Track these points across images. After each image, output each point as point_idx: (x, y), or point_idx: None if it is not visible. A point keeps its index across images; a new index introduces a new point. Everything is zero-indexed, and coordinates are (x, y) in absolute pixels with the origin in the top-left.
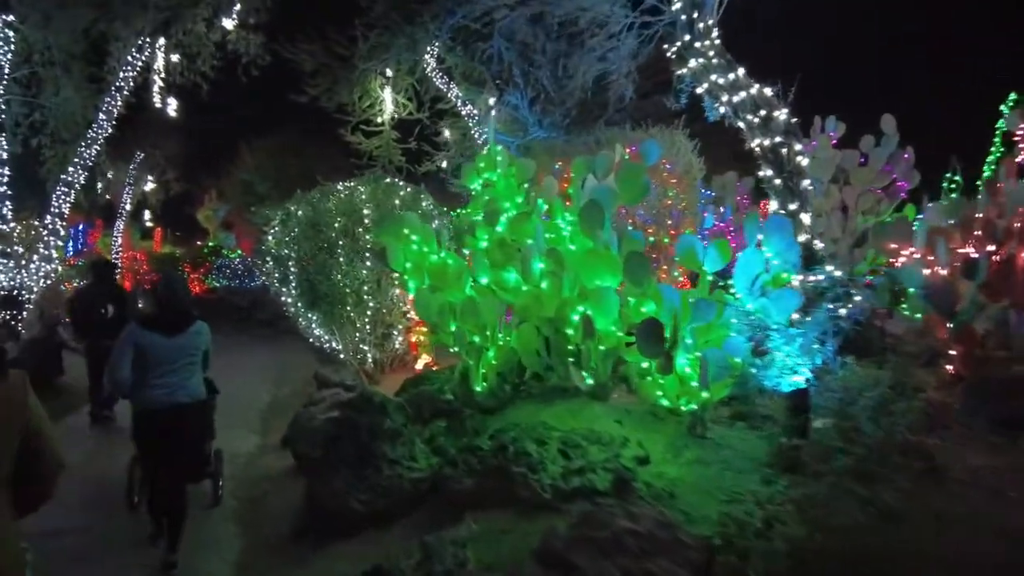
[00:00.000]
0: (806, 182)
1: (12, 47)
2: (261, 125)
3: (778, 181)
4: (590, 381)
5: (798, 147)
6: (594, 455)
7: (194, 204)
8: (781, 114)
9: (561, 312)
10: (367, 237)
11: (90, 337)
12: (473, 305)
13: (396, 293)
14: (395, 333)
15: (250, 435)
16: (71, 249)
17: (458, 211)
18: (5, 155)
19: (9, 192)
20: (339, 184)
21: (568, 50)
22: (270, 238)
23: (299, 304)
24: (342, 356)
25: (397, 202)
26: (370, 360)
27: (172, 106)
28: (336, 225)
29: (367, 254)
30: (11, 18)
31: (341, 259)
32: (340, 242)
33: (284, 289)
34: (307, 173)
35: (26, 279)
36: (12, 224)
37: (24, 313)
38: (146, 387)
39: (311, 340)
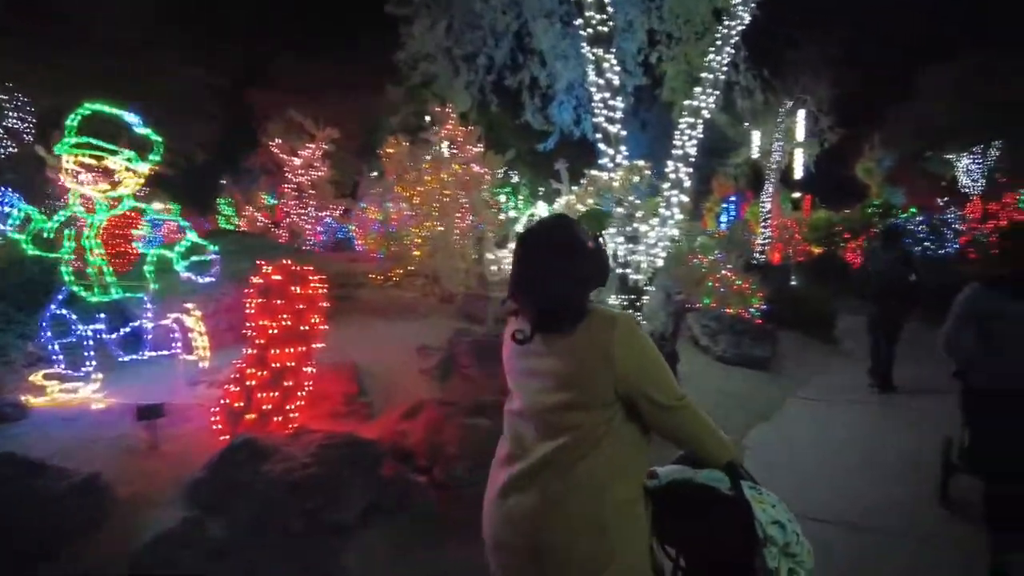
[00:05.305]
0: None
1: None
2: (938, 47)
3: None
4: None
5: None
6: None
7: (847, 161)
8: None
9: None
10: None
11: (881, 304)
12: None
13: None
14: None
15: None
16: (723, 222)
17: None
18: (618, 80)
19: (623, 132)
20: None
21: None
22: None
23: None
24: None
25: None
26: None
27: None
28: None
29: None
30: None
31: None
32: None
33: None
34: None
35: (639, 252)
36: (616, 172)
37: (644, 299)
38: (989, 363)
39: None
